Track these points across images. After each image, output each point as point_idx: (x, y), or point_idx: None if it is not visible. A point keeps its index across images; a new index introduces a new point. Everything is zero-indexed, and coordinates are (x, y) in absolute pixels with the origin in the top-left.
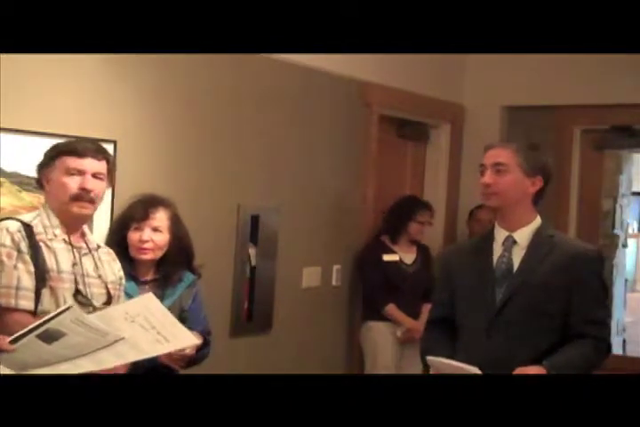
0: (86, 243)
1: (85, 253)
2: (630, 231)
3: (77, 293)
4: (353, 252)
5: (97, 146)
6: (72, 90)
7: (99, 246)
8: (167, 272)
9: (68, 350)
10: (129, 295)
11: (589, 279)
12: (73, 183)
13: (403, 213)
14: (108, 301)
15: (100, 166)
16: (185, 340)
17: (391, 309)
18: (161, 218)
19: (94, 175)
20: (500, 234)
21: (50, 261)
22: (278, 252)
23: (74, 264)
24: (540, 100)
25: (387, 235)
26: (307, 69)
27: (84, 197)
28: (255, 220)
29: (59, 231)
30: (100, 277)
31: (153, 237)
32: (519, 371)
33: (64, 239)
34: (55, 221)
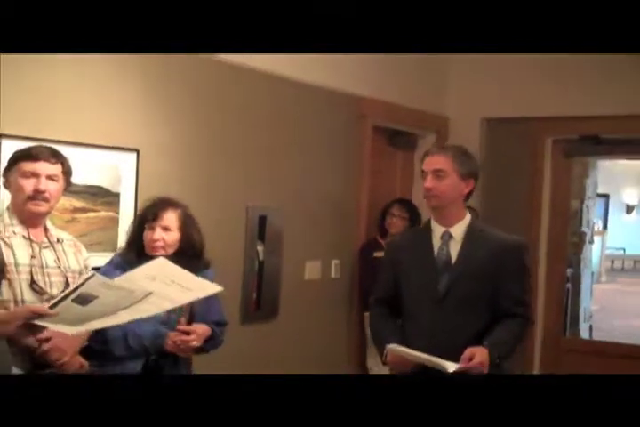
0: (48, 237)
1: (46, 246)
2: (596, 229)
3: (33, 282)
4: (349, 247)
5: (51, 151)
6: (99, 104)
7: (60, 240)
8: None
9: (104, 307)
10: None
11: (515, 266)
12: (28, 185)
13: (382, 209)
14: (66, 288)
15: (54, 169)
16: (208, 288)
17: None
18: (170, 218)
19: (48, 177)
20: (438, 229)
21: (7, 256)
22: (283, 248)
23: (32, 257)
24: (516, 112)
25: (378, 233)
26: (308, 86)
27: (38, 196)
28: (262, 220)
29: (18, 229)
30: (59, 267)
31: (164, 235)
32: (467, 354)
33: (23, 235)
34: (15, 220)
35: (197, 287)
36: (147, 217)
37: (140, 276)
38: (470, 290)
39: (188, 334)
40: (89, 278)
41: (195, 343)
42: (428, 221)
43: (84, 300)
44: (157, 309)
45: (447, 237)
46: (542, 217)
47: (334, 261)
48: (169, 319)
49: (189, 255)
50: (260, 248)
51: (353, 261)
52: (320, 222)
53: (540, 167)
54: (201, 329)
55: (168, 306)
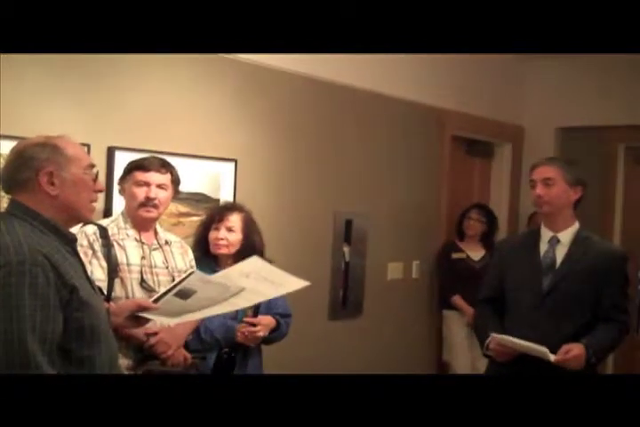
0: (157, 240)
1: (156, 248)
2: None
3: (142, 281)
4: (429, 249)
5: (161, 162)
6: (202, 118)
7: (168, 242)
8: None
9: (202, 301)
10: None
11: (616, 274)
12: (140, 193)
13: (461, 213)
14: None
15: (164, 179)
16: (297, 283)
17: (457, 299)
18: (234, 220)
19: (158, 186)
20: (546, 234)
21: (120, 257)
22: (368, 250)
23: (142, 258)
24: (589, 121)
25: (456, 236)
26: (393, 99)
27: (149, 203)
28: (349, 224)
29: (131, 232)
30: (167, 267)
31: (227, 235)
32: (564, 348)
33: (135, 238)
34: (128, 224)
35: (287, 283)
36: (213, 218)
37: (235, 273)
38: (571, 292)
39: (254, 325)
40: (189, 275)
41: (261, 334)
42: (538, 226)
43: (184, 294)
44: (249, 302)
45: (555, 241)
46: (615, 221)
47: (415, 262)
48: (237, 314)
49: (250, 255)
50: (346, 250)
51: (432, 262)
52: (402, 226)
53: (614, 173)
54: (266, 320)
55: (259, 300)
